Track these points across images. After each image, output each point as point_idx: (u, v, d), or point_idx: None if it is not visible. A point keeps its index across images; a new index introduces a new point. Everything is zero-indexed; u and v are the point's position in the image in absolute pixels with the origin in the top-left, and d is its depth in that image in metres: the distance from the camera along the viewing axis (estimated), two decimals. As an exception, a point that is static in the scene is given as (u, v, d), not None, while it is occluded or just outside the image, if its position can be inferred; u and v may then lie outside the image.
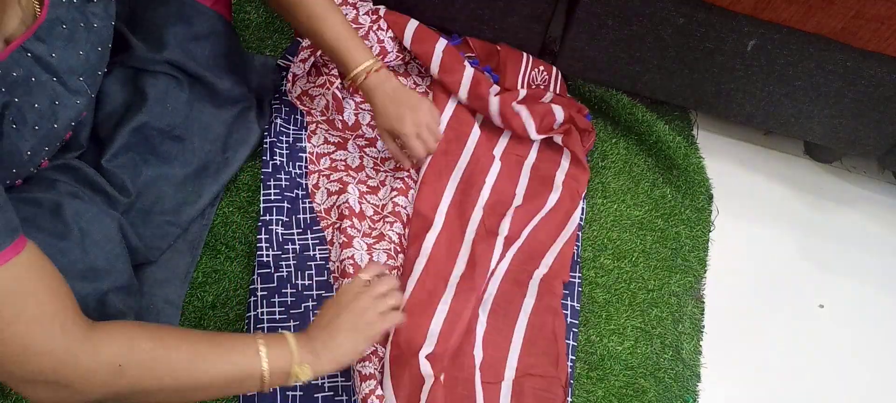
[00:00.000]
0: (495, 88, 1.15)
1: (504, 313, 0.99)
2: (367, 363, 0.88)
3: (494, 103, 1.12)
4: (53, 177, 0.79)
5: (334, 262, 0.98)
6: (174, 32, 0.92)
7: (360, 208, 1.03)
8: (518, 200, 1.10)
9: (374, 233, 1.02)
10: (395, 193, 1.05)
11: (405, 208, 1.04)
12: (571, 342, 1.00)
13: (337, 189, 1.04)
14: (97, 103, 0.89)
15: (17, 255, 0.56)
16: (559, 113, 1.15)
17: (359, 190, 1.05)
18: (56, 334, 0.58)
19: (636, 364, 1.02)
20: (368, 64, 0.96)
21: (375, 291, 0.80)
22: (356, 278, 0.82)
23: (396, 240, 1.00)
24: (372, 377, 0.87)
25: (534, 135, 1.13)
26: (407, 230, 1.03)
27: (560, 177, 1.13)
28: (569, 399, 0.96)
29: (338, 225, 1.01)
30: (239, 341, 0.70)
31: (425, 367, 0.87)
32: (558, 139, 1.15)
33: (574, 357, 1.00)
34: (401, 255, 1.00)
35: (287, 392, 0.89)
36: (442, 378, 0.89)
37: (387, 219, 1.02)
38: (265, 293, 0.95)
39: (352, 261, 0.96)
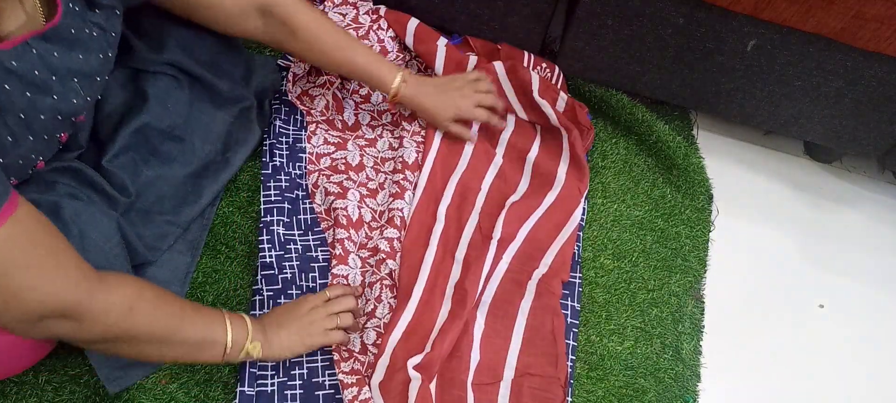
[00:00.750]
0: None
1: (503, 313, 0.99)
2: (350, 374, 0.88)
3: (499, 68, 1.15)
4: (53, 178, 0.79)
5: (330, 273, 0.98)
6: (175, 33, 0.92)
7: (359, 213, 1.03)
8: (516, 196, 1.10)
9: (369, 244, 1.01)
10: (392, 198, 1.04)
11: (401, 211, 1.04)
12: (571, 342, 1.00)
13: (336, 191, 1.04)
14: (97, 104, 0.89)
15: (15, 210, 0.60)
16: (549, 109, 1.14)
17: (359, 193, 1.05)
18: (71, 272, 0.64)
19: (636, 364, 1.02)
20: (402, 75, 1.02)
21: (330, 309, 0.89)
22: (319, 294, 0.90)
23: (386, 248, 0.99)
24: (356, 384, 0.87)
25: (546, 111, 1.14)
26: (402, 234, 1.02)
27: (561, 175, 1.13)
28: (568, 398, 0.96)
29: (335, 232, 1.01)
30: (211, 312, 0.79)
31: (413, 374, 0.87)
32: (552, 116, 1.14)
33: (574, 357, 1.00)
34: (387, 263, 0.99)
35: (285, 392, 0.89)
36: (432, 385, 0.90)
37: (382, 226, 1.02)
38: (271, 293, 0.95)
39: (344, 281, 0.96)
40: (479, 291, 0.98)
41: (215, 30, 0.93)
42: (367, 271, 0.99)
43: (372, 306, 0.95)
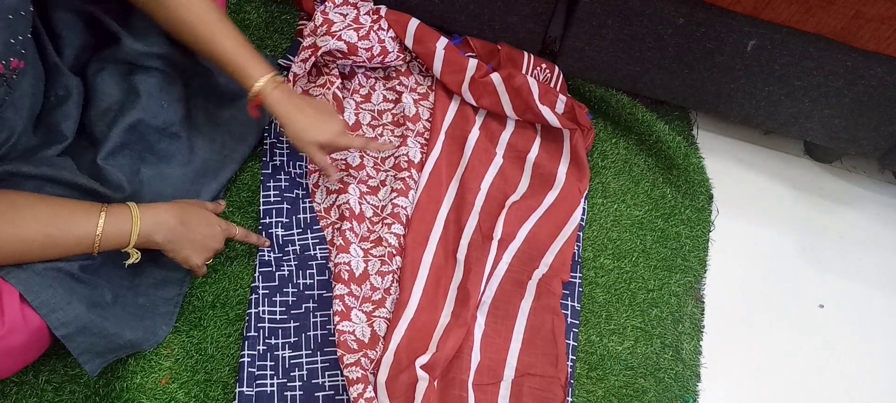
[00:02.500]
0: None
1: (503, 314, 1.00)
2: (355, 367, 0.88)
3: (496, 78, 1.14)
4: (38, 184, 0.79)
5: (332, 262, 0.98)
6: None
7: (360, 209, 1.03)
8: (516, 196, 1.10)
9: (371, 237, 1.02)
10: (395, 194, 1.05)
11: (405, 209, 1.04)
12: (572, 342, 1.00)
13: (336, 188, 1.05)
14: (91, 100, 0.88)
15: None
16: (550, 115, 1.15)
17: (359, 190, 1.05)
18: None
19: (636, 364, 1.02)
20: (273, 78, 0.89)
21: (226, 226, 0.89)
22: (232, 227, 0.91)
23: (394, 243, 1.01)
24: (361, 380, 0.87)
25: (548, 117, 1.14)
26: (406, 232, 1.03)
27: (561, 175, 1.13)
28: (569, 399, 0.96)
29: (337, 225, 1.01)
30: (83, 206, 0.76)
31: (421, 374, 0.87)
32: (554, 121, 1.14)
33: (574, 357, 1.00)
34: (397, 259, 1.00)
35: (285, 393, 0.89)
36: (436, 384, 0.90)
37: (386, 221, 1.02)
38: (267, 291, 0.95)
39: (347, 267, 0.96)
40: (480, 292, 0.98)
41: None
42: (369, 260, 0.99)
43: (380, 296, 0.95)
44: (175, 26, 0.86)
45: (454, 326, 0.94)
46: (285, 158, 1.07)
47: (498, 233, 1.03)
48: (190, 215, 0.84)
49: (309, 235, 1.01)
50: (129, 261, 0.79)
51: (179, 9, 0.84)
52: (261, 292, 0.95)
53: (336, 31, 1.09)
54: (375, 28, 1.14)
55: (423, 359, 0.89)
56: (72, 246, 0.75)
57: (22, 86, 0.78)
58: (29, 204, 0.73)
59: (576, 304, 1.04)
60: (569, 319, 1.02)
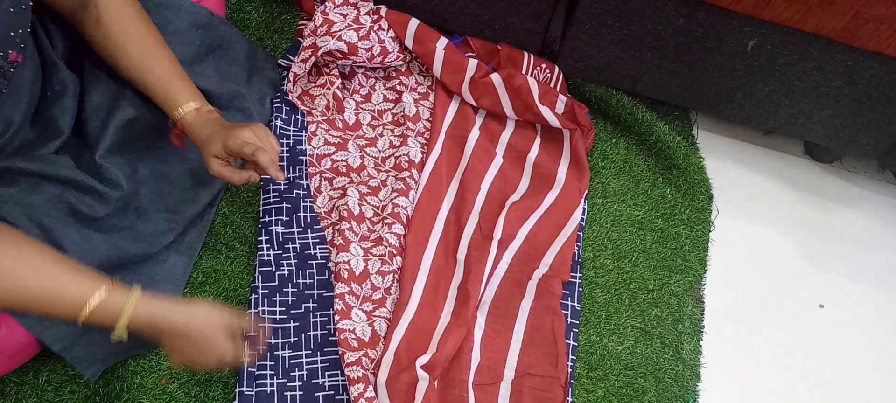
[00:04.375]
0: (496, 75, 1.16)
1: (503, 314, 1.00)
2: (356, 367, 0.88)
3: (496, 78, 1.14)
4: (36, 182, 0.79)
5: (332, 262, 0.98)
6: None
7: (360, 210, 1.03)
8: (516, 196, 1.10)
9: (372, 237, 1.02)
10: (395, 194, 1.05)
11: (406, 209, 1.04)
12: (572, 342, 1.00)
13: (339, 195, 1.05)
14: (85, 96, 0.88)
15: None
16: (549, 115, 1.15)
17: (359, 191, 1.05)
18: None
19: (636, 364, 1.02)
20: (195, 106, 0.84)
21: (235, 348, 0.77)
22: (244, 318, 0.79)
23: (394, 243, 1.01)
24: (361, 380, 0.87)
25: (548, 117, 1.13)
26: (406, 232, 1.03)
27: (561, 175, 1.13)
28: (569, 398, 0.96)
29: (337, 225, 1.01)
30: (88, 275, 0.69)
31: (421, 374, 0.87)
32: (554, 121, 1.14)
33: (574, 357, 1.00)
34: (397, 259, 1.00)
35: (285, 393, 0.89)
36: (436, 384, 0.90)
37: (386, 221, 1.02)
38: (267, 291, 0.95)
39: (347, 267, 0.96)
40: (480, 292, 0.98)
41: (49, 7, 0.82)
42: (369, 260, 0.99)
43: (380, 295, 0.96)
44: (108, 51, 0.82)
45: (454, 326, 0.94)
46: (285, 161, 1.07)
47: (498, 233, 1.03)
48: (204, 330, 0.74)
49: (309, 235, 1.01)
50: (114, 339, 0.71)
51: (116, 30, 0.81)
52: (261, 292, 0.95)
53: (336, 31, 1.09)
54: (375, 28, 1.14)
55: (423, 359, 0.89)
56: (57, 306, 0.68)
57: (19, 79, 0.78)
58: (36, 251, 0.68)
59: (576, 304, 1.04)
60: (569, 319, 1.02)
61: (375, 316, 0.95)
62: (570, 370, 0.98)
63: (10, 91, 0.76)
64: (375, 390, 0.88)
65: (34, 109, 0.83)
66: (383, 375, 0.88)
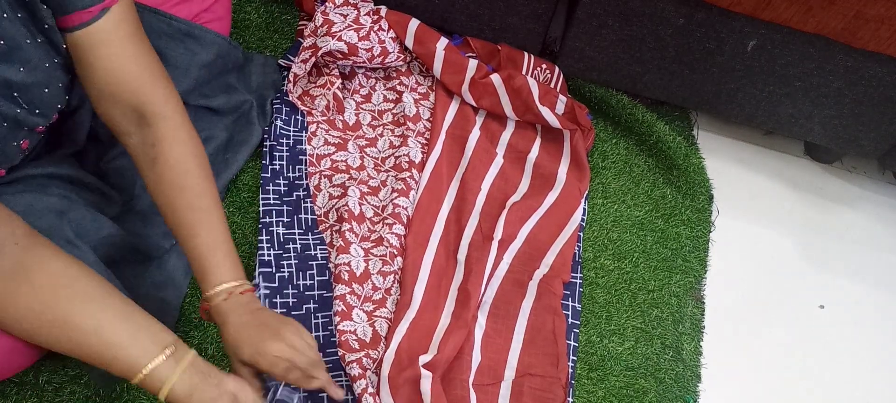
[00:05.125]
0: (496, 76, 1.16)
1: (504, 314, 1.00)
2: (355, 364, 0.88)
3: (497, 79, 1.14)
4: (45, 182, 0.79)
5: (332, 263, 0.98)
6: (177, 56, 0.92)
7: (360, 210, 1.03)
8: (517, 197, 1.10)
9: (372, 237, 1.02)
10: (396, 194, 1.05)
11: (406, 209, 1.04)
12: (572, 342, 1.00)
13: (339, 193, 1.04)
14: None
15: None
16: (550, 115, 1.15)
17: (359, 190, 1.05)
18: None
19: (636, 365, 1.02)
20: (232, 289, 0.76)
21: None
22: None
23: (395, 244, 1.01)
24: (362, 376, 0.87)
25: (548, 117, 1.14)
26: (407, 232, 1.03)
27: (561, 175, 1.13)
28: (570, 399, 0.96)
29: (336, 227, 1.01)
30: (150, 333, 0.67)
31: (424, 373, 0.87)
32: (554, 121, 1.14)
33: (575, 358, 1.00)
34: (398, 259, 1.00)
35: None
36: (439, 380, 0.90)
37: (386, 221, 1.02)
38: (267, 292, 0.95)
39: (347, 268, 0.96)
40: (481, 293, 0.98)
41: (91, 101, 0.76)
42: (370, 260, 0.99)
43: (381, 296, 0.95)
44: (157, 195, 0.75)
45: (455, 328, 0.94)
46: (285, 162, 1.07)
47: (498, 234, 1.03)
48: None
49: (310, 236, 1.01)
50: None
51: (171, 181, 0.73)
52: (261, 293, 0.95)
53: (336, 32, 1.09)
54: (376, 28, 1.14)
55: (425, 358, 0.89)
56: (113, 365, 0.66)
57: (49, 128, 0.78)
58: (101, 303, 0.66)
59: (576, 304, 1.04)
60: (569, 319, 1.02)
61: (376, 316, 0.95)
62: (570, 370, 0.98)
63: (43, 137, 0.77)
64: (378, 387, 0.88)
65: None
66: (386, 371, 0.88)
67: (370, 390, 0.86)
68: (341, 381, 0.91)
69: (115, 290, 0.69)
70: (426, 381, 0.86)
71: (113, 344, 0.66)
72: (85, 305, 0.65)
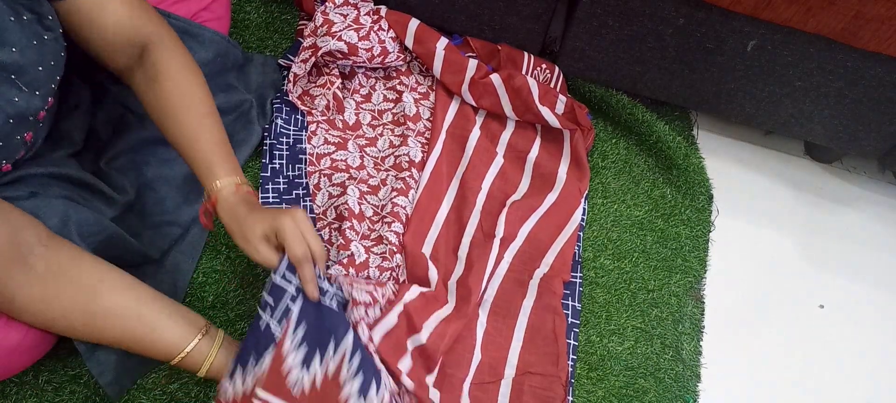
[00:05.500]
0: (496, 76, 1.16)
1: (505, 313, 1.00)
2: (362, 290, 0.87)
3: (497, 79, 1.14)
4: (46, 182, 0.79)
5: (331, 260, 0.98)
6: None
7: (360, 209, 1.03)
8: (517, 196, 1.10)
9: (372, 236, 1.02)
10: (395, 194, 1.05)
11: (405, 208, 1.04)
12: (572, 341, 1.00)
13: (338, 192, 1.05)
14: (94, 108, 0.89)
15: None
16: (550, 115, 1.15)
17: (359, 189, 1.05)
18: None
19: (636, 365, 1.02)
20: (236, 183, 0.78)
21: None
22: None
23: (394, 241, 1.01)
24: (362, 303, 0.86)
25: (548, 117, 1.13)
26: (405, 230, 1.03)
27: (561, 175, 1.13)
28: (569, 398, 0.96)
29: (336, 225, 1.01)
30: (186, 318, 0.75)
31: (409, 358, 0.87)
32: (554, 121, 1.14)
33: (575, 357, 1.00)
34: (397, 256, 1.00)
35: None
36: (431, 379, 0.89)
37: (386, 220, 1.02)
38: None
39: (348, 253, 0.96)
40: (481, 289, 0.98)
41: (92, 55, 0.79)
42: (370, 256, 0.99)
43: (382, 280, 0.96)
44: (160, 111, 0.78)
45: (454, 318, 0.94)
46: (285, 160, 1.07)
47: (500, 232, 1.03)
48: None
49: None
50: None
51: (172, 93, 0.76)
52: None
53: (336, 32, 1.09)
54: (376, 28, 1.14)
55: (418, 337, 0.88)
56: (151, 348, 0.73)
57: (49, 116, 0.79)
58: (138, 291, 0.73)
59: (576, 304, 1.04)
60: (569, 319, 1.02)
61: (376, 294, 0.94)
62: (570, 369, 0.98)
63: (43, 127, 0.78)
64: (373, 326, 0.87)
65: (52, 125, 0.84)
66: (381, 331, 0.87)
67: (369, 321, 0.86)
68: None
69: (138, 280, 0.74)
70: (407, 361, 0.86)
71: (156, 328, 0.72)
72: (124, 294, 0.71)
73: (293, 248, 0.73)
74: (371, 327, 0.86)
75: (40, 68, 0.69)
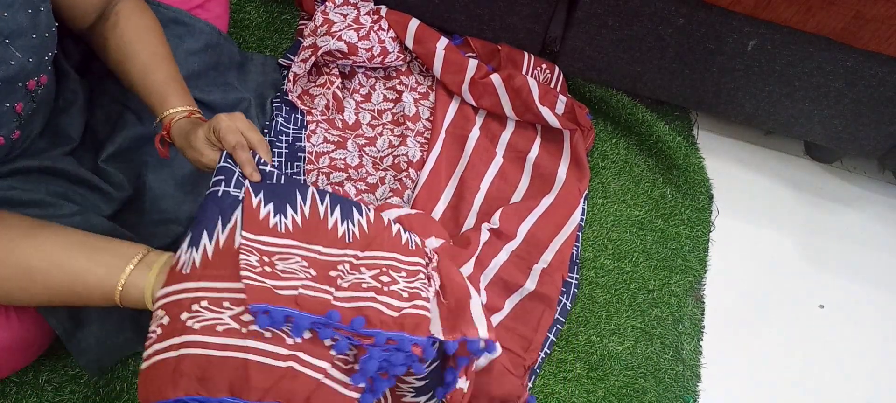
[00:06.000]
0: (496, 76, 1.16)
1: (502, 287, 1.00)
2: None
3: (497, 79, 1.14)
4: (43, 178, 0.79)
5: None
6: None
7: None
8: (516, 196, 1.10)
9: None
10: (391, 194, 1.05)
11: (400, 207, 1.04)
12: (552, 337, 1.00)
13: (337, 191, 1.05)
14: (92, 105, 0.89)
15: None
16: (550, 115, 1.15)
17: (356, 188, 1.05)
18: None
19: (636, 365, 1.02)
20: (189, 111, 0.80)
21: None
22: None
23: None
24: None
25: (548, 117, 1.14)
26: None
27: (561, 175, 1.13)
28: (528, 385, 0.96)
29: None
30: (113, 252, 0.68)
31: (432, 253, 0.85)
32: (554, 121, 1.14)
33: (548, 352, 1.00)
34: None
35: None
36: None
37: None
38: None
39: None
40: (478, 250, 1.00)
41: (64, 17, 0.80)
42: None
43: None
44: (119, 52, 0.80)
45: (449, 250, 0.96)
46: (283, 158, 1.07)
47: (495, 221, 1.03)
48: None
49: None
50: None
51: (130, 35, 0.80)
52: None
53: (336, 31, 1.09)
54: (376, 28, 1.14)
55: (434, 242, 0.90)
56: (88, 296, 0.67)
57: (43, 95, 0.78)
58: (56, 241, 0.67)
59: (568, 302, 1.04)
60: (556, 315, 1.02)
61: None
62: (539, 360, 0.98)
63: (37, 108, 0.78)
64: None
65: (48, 119, 0.84)
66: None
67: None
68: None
69: (81, 232, 0.69)
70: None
71: (78, 272, 0.66)
72: (42, 246, 0.66)
73: (226, 137, 0.72)
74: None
75: (34, 36, 0.69)
